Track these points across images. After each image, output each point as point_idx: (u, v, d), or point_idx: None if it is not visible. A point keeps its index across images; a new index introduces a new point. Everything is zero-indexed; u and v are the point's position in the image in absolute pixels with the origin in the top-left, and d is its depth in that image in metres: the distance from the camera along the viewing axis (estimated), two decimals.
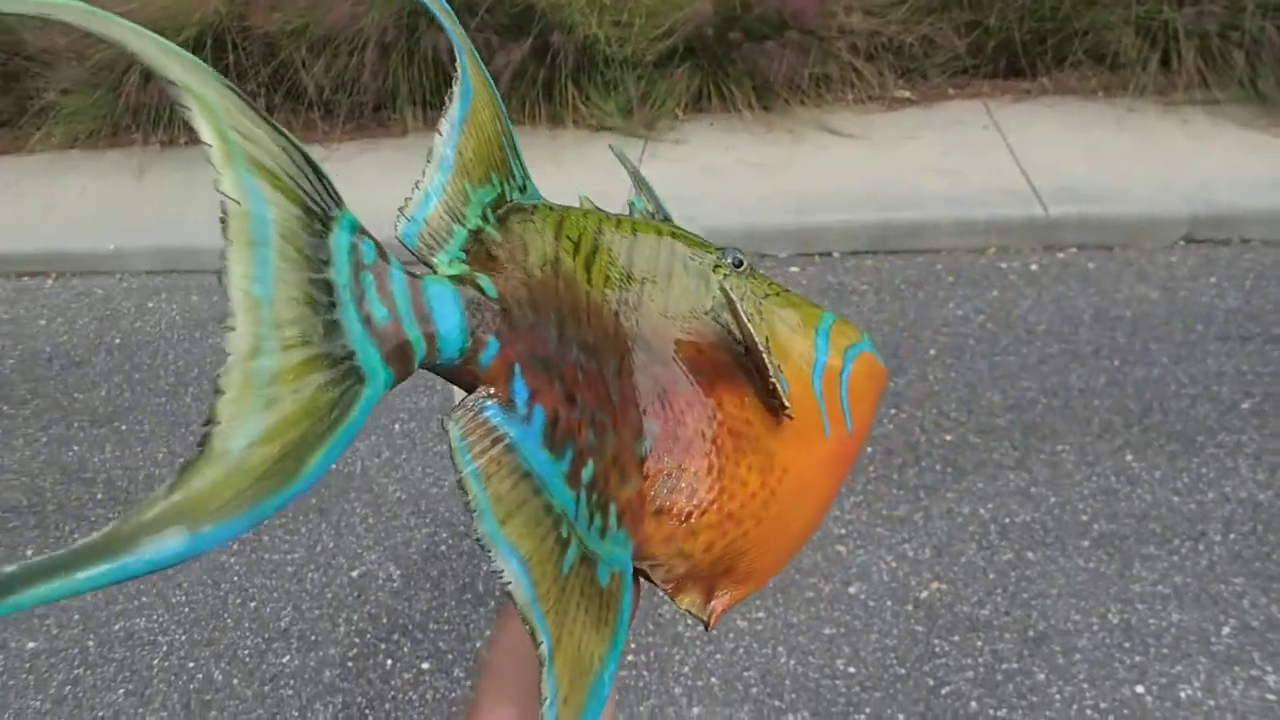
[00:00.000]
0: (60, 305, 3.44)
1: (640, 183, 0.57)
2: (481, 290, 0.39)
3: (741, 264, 0.52)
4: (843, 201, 3.35)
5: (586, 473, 0.40)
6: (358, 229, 0.35)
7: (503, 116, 0.47)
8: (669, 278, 0.49)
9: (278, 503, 0.30)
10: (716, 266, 0.51)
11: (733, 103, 4.01)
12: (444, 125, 0.43)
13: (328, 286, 0.33)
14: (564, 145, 3.93)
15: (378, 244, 0.36)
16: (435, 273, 0.39)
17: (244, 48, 4.14)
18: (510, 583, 0.36)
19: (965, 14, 3.98)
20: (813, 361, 0.51)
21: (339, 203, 0.35)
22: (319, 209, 0.33)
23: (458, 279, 0.39)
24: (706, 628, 0.47)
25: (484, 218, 0.43)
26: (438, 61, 4.04)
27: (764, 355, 0.46)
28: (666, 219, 0.56)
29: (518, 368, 0.39)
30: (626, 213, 0.54)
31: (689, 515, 0.44)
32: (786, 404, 0.46)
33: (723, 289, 0.49)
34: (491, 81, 0.47)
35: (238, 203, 0.31)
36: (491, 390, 0.38)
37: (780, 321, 0.51)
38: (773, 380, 0.45)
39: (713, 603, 0.47)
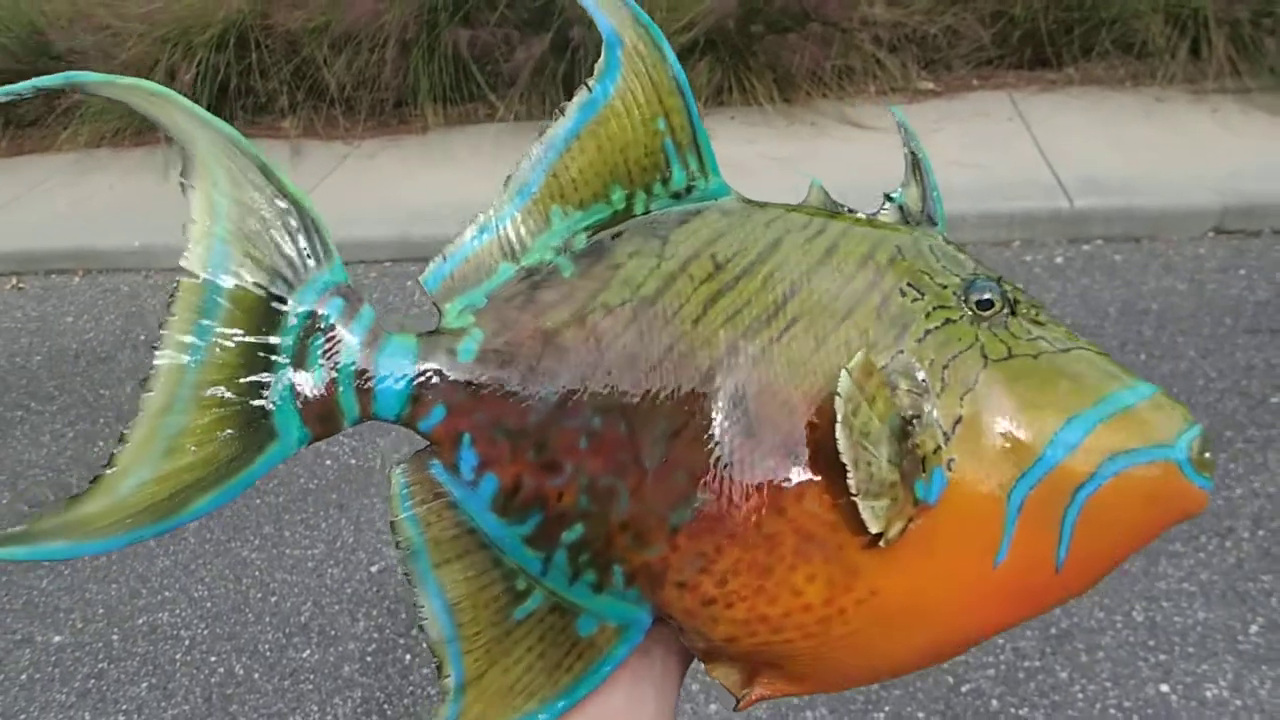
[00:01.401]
0: (87, 302, 3.49)
1: (917, 170, 0.46)
2: (454, 354, 0.39)
3: (990, 305, 0.41)
4: (865, 195, 3.29)
5: (570, 535, 0.39)
6: (331, 288, 0.39)
7: (676, 108, 0.42)
8: (845, 317, 0.40)
9: (156, 532, 0.35)
10: (938, 308, 0.40)
11: (754, 96, 3.98)
12: (536, 148, 0.41)
13: (269, 348, 0.37)
14: None
15: (351, 301, 0.39)
16: (441, 319, 0.41)
17: (266, 45, 4.17)
18: (426, 619, 0.39)
19: (990, 3, 3.94)
20: (1028, 463, 0.38)
21: (322, 260, 0.38)
22: (290, 273, 0.38)
23: (434, 337, 0.40)
24: (736, 706, 0.41)
25: (563, 249, 0.41)
26: (458, 58, 4.05)
27: (856, 463, 0.36)
28: (927, 223, 0.45)
29: (467, 438, 0.39)
30: (879, 208, 0.45)
31: (712, 601, 0.39)
32: (876, 529, 0.36)
33: (850, 367, 0.37)
34: (669, 67, 0.42)
35: (194, 276, 0.36)
36: (439, 451, 0.40)
37: (1005, 396, 0.38)
38: (855, 496, 0.36)
39: (753, 688, 0.41)
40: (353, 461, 2.53)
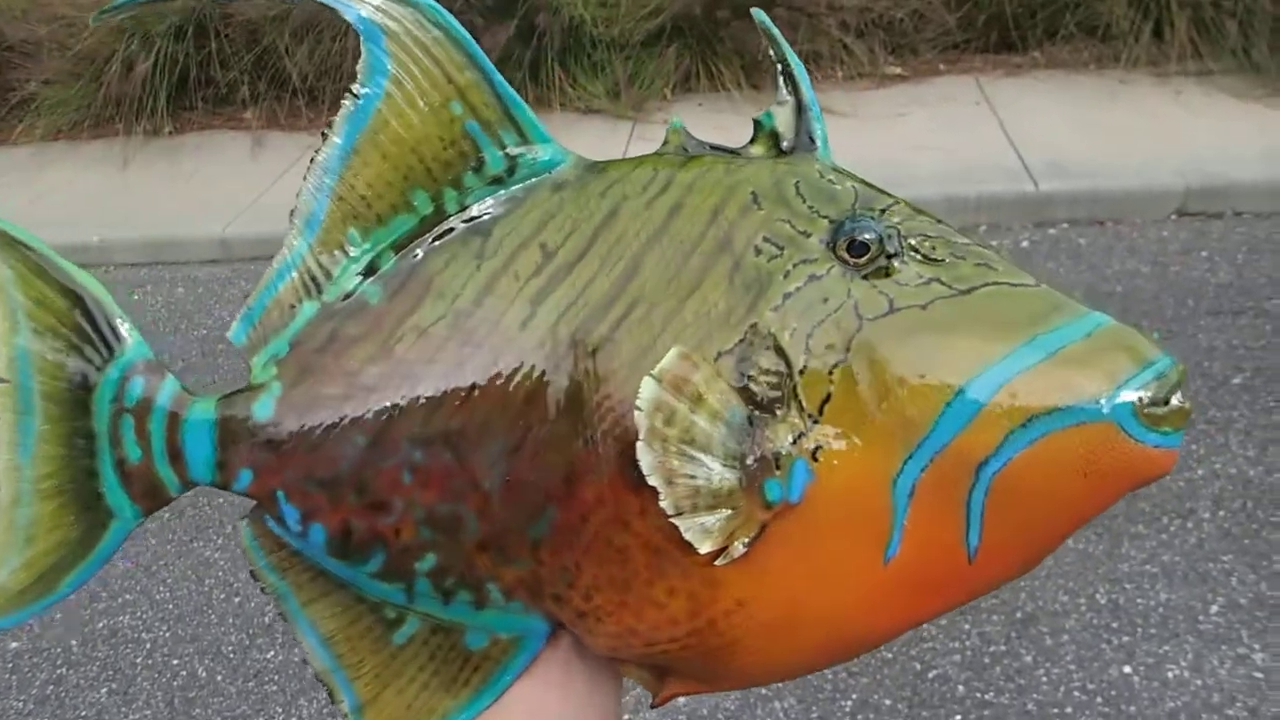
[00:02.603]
0: None
1: (789, 83, 0.39)
2: (251, 414, 0.39)
3: (866, 249, 0.34)
4: None
5: (424, 564, 0.38)
6: (131, 367, 0.39)
7: (472, 84, 0.37)
8: (691, 292, 0.35)
9: (38, 610, 0.38)
10: (801, 263, 0.34)
11: (721, 82, 3.96)
12: (311, 175, 0.38)
13: (89, 435, 0.38)
14: (552, 128, 3.85)
15: (153, 377, 0.39)
16: (250, 373, 0.39)
17: (226, 35, 4.10)
18: (307, 653, 0.40)
19: None
20: (914, 442, 0.32)
21: (120, 342, 0.39)
22: (91, 361, 0.38)
23: (233, 398, 0.39)
24: (652, 704, 0.40)
25: (369, 273, 0.38)
26: None
27: (670, 480, 0.32)
28: (805, 148, 0.39)
29: (281, 495, 0.39)
30: (749, 139, 0.40)
31: (584, 614, 0.37)
32: (707, 548, 0.32)
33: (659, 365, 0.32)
34: (454, 41, 0.37)
35: (7, 381, 0.38)
36: (264, 508, 0.40)
37: (885, 363, 0.32)
38: (673, 518, 0.32)
39: (665, 687, 0.39)
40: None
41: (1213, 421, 2.26)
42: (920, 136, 3.51)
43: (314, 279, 0.38)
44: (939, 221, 0.36)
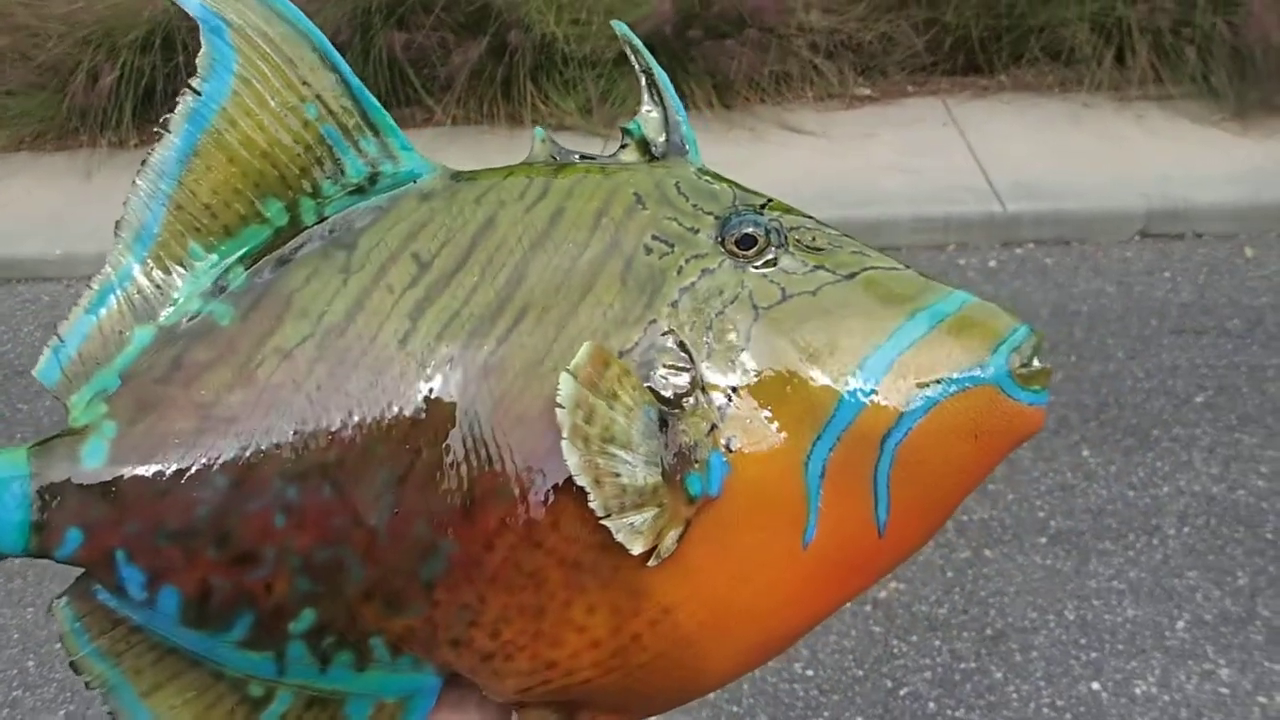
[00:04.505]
0: (5, 313, 3.36)
1: (654, 91, 0.39)
2: (78, 461, 0.33)
3: (753, 242, 0.35)
4: (802, 200, 3.30)
5: (300, 625, 0.34)
6: None
7: (328, 86, 0.35)
8: (583, 295, 0.34)
9: None
10: (692, 259, 0.35)
11: (693, 101, 3.98)
12: (143, 181, 0.35)
13: None
14: (523, 145, 3.87)
15: None
16: (69, 415, 0.34)
17: (193, 47, 4.04)
18: None
19: (923, 11, 3.99)
20: (822, 421, 0.33)
21: None
22: None
23: (50, 444, 0.33)
24: None
25: (216, 292, 0.34)
26: (394, 62, 3.99)
27: (598, 480, 0.31)
28: (675, 153, 0.39)
29: (121, 555, 0.33)
30: (618, 146, 0.40)
31: (490, 655, 0.34)
32: (640, 548, 0.32)
33: (567, 372, 0.31)
34: (306, 39, 0.35)
35: None
36: (96, 575, 0.34)
37: (785, 348, 0.34)
38: (604, 519, 0.31)
39: None
40: None
41: (1177, 439, 2.29)
42: (889, 157, 3.55)
43: (147, 301, 0.35)
44: (807, 215, 0.38)
